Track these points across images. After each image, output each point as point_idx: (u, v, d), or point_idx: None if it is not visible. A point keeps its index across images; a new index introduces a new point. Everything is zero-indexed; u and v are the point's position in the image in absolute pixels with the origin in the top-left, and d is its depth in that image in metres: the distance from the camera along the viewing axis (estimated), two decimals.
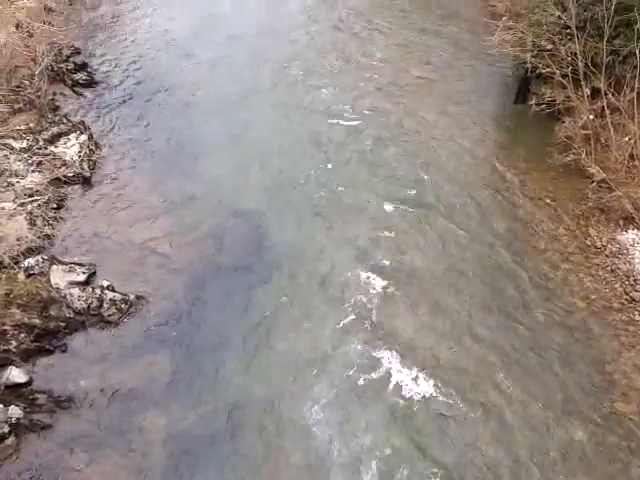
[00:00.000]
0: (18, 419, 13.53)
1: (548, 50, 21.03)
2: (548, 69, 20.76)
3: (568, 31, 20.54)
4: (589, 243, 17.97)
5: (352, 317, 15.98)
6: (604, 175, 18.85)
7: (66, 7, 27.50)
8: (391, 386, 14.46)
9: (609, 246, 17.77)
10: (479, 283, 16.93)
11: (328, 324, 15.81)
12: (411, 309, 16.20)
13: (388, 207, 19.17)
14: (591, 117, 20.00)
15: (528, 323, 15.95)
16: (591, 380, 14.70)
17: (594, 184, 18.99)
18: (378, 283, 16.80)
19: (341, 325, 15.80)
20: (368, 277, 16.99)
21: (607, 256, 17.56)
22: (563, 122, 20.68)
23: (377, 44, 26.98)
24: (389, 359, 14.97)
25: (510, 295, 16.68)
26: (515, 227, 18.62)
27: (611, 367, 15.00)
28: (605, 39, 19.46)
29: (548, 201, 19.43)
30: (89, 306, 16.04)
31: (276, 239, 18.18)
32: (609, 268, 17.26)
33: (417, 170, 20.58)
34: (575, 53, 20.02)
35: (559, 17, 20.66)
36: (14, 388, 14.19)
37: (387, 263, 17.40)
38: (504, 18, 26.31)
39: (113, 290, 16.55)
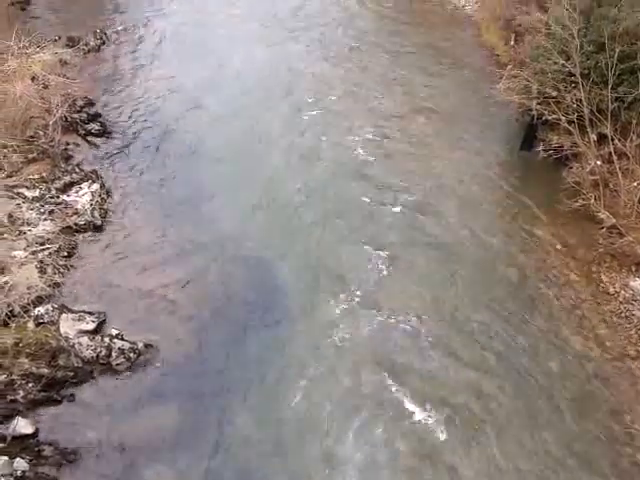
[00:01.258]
0: (24, 472, 13.29)
1: (553, 97, 21.32)
2: (554, 116, 20.99)
3: (572, 79, 20.87)
4: (602, 289, 17.82)
5: (363, 366, 15.77)
6: (614, 220, 18.80)
7: (81, 60, 28.15)
8: None
9: (622, 292, 17.60)
10: (490, 331, 16.72)
11: (338, 375, 15.58)
12: (423, 352, 15.95)
13: (395, 253, 19.12)
14: (599, 163, 20.10)
15: (542, 372, 15.67)
16: (609, 431, 14.35)
17: (604, 229, 18.95)
18: (390, 336, 16.62)
19: (349, 379, 15.56)
20: (380, 326, 16.82)
21: (621, 302, 17.38)
22: (571, 168, 20.78)
23: (384, 91, 27.40)
24: None
25: (522, 343, 16.44)
26: (526, 273, 18.50)
27: (630, 417, 14.64)
28: (609, 86, 19.77)
29: (559, 247, 19.37)
30: (98, 355, 15.91)
31: (286, 286, 18.11)
32: (623, 315, 17.06)
33: (425, 215, 20.61)
34: (580, 100, 20.28)
35: (563, 65, 21.03)
36: (20, 439, 13.97)
37: (395, 312, 17.25)
38: (509, 67, 26.83)
39: (122, 338, 16.45)
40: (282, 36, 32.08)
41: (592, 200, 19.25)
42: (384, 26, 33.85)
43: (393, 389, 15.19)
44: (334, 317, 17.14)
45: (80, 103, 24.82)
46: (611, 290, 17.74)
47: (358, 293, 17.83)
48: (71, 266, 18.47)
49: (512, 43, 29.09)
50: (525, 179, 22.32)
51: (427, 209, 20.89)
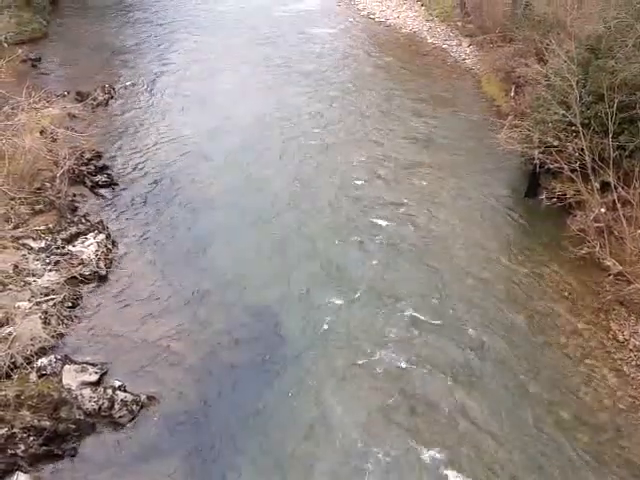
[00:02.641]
0: None
1: (555, 146, 21.57)
2: (556, 164, 21.19)
3: (573, 128, 21.15)
4: (611, 337, 17.59)
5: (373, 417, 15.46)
6: (620, 268, 18.72)
7: (89, 114, 28.78)
8: None
9: (632, 340, 17.35)
10: (498, 381, 16.44)
11: (344, 429, 15.26)
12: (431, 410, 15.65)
13: (399, 304, 19.00)
14: (603, 210, 20.14)
15: (553, 423, 15.33)
16: None
17: (611, 277, 18.84)
18: (402, 388, 16.35)
19: (356, 434, 15.24)
20: (383, 372, 16.57)
21: (631, 350, 17.12)
22: (575, 215, 20.83)
23: (385, 140, 27.76)
24: None
25: (532, 393, 16.14)
26: (534, 321, 18.32)
27: None
28: (610, 135, 19.98)
29: (566, 294, 19.24)
30: (100, 407, 15.66)
31: (291, 336, 17.95)
32: (634, 363, 16.77)
33: (430, 263, 20.57)
34: (582, 149, 20.49)
35: (563, 115, 21.35)
36: None
37: (400, 358, 17.03)
38: (510, 117, 27.30)
39: (125, 390, 16.22)
40: (286, 88, 32.78)
41: (597, 247, 19.22)
42: (385, 77, 34.64)
43: None
44: (341, 370, 16.89)
45: (88, 156, 25.22)
46: (620, 338, 17.50)
47: (362, 346, 17.64)
48: (75, 317, 18.41)
49: (512, 94, 29.68)
50: (530, 227, 22.35)
51: (431, 257, 20.86)
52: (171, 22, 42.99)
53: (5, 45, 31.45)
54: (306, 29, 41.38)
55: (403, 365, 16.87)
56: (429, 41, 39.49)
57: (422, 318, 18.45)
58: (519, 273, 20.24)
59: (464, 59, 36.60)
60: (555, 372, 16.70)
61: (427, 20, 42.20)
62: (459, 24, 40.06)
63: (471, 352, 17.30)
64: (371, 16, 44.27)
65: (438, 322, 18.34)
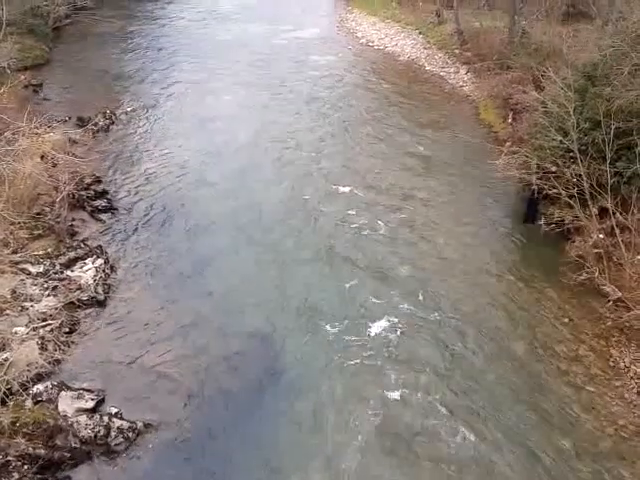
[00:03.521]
0: None
1: (553, 172, 21.69)
2: (554, 190, 21.27)
3: (571, 154, 21.28)
4: (612, 364, 17.45)
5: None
6: (620, 294, 18.67)
7: (90, 139, 28.96)
8: None
9: (633, 367, 17.22)
10: (497, 409, 16.27)
11: (344, 456, 15.07)
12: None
13: (393, 333, 18.90)
14: (601, 236, 20.18)
15: (554, 450, 15.13)
16: None
17: (611, 303, 18.79)
18: (397, 414, 16.20)
19: (360, 456, 15.06)
20: (384, 390, 16.42)
21: (632, 377, 16.97)
22: (573, 241, 20.87)
23: (382, 167, 27.89)
24: None
25: (532, 420, 15.96)
26: (533, 348, 18.19)
27: None
28: (608, 162, 20.09)
29: (566, 320, 19.14)
30: (96, 435, 15.46)
31: (290, 363, 17.81)
32: (635, 390, 16.62)
33: (429, 290, 20.51)
34: (580, 175, 20.59)
35: (561, 142, 21.50)
36: None
37: (400, 381, 16.90)
38: (507, 143, 27.50)
39: (121, 417, 16.04)
40: (285, 114, 33.07)
41: (596, 273, 19.20)
42: (383, 103, 34.97)
43: None
44: (340, 397, 16.73)
45: (88, 180, 25.32)
46: (621, 365, 17.37)
47: (361, 362, 17.50)
48: (72, 342, 18.27)
49: (510, 120, 29.93)
50: (529, 252, 22.34)
51: (429, 283, 20.81)
52: (172, 49, 43.57)
53: (8, 71, 31.79)
54: (305, 56, 41.89)
55: (397, 396, 16.68)
56: (427, 68, 39.95)
57: (419, 347, 18.32)
58: (518, 299, 20.16)
59: (462, 86, 36.97)
60: (556, 399, 16.54)
61: (425, 48, 42.74)
62: (457, 52, 40.56)
63: (470, 380, 17.14)
64: (370, 44, 44.85)
65: (437, 349, 18.21)
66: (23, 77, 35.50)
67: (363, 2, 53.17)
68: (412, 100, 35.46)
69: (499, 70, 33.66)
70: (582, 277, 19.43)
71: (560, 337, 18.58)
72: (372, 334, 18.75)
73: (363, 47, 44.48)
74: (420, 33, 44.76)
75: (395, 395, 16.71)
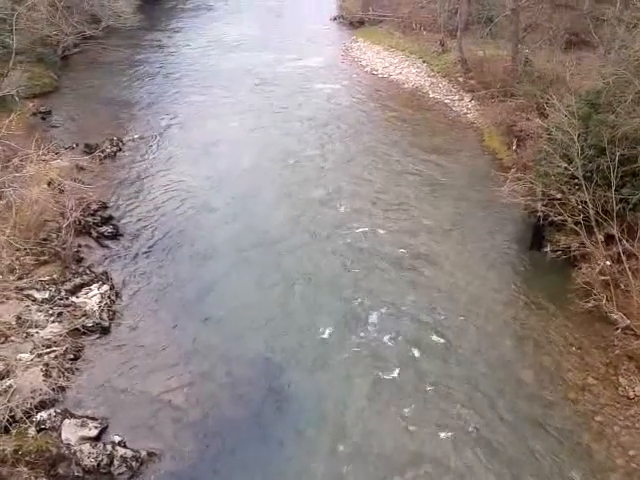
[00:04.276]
0: None
1: (558, 199, 21.65)
2: (560, 217, 21.21)
3: (576, 181, 21.27)
4: (621, 393, 17.23)
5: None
6: (628, 322, 18.50)
7: (96, 166, 29.14)
8: None
9: None
10: (505, 439, 16.05)
11: None
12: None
13: (412, 352, 18.77)
14: (608, 263, 20.06)
15: None
16: None
17: (619, 330, 18.59)
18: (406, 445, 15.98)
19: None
20: (395, 418, 16.21)
21: None
22: (580, 268, 20.73)
23: (389, 193, 27.95)
24: None
25: (541, 452, 15.74)
26: (542, 377, 18.01)
27: None
28: (613, 188, 20.08)
29: (574, 349, 18.97)
30: (99, 464, 15.33)
31: (295, 392, 17.66)
32: None
33: (436, 316, 20.40)
34: (585, 202, 20.55)
35: (566, 168, 21.49)
36: None
37: (409, 408, 16.69)
38: (512, 170, 27.54)
39: (124, 446, 15.89)
40: (290, 141, 33.26)
41: (604, 301, 19.04)
42: (388, 130, 35.13)
43: None
44: (345, 423, 16.55)
45: (94, 207, 25.46)
46: (631, 394, 17.14)
47: (367, 389, 17.33)
48: (76, 369, 18.21)
49: (514, 147, 30.04)
50: (535, 279, 22.21)
51: (437, 311, 20.70)
52: (178, 77, 44.03)
53: (16, 99, 32.18)
54: (311, 84, 42.25)
55: (411, 427, 16.50)
56: (431, 96, 40.23)
57: (427, 374, 18.16)
58: (525, 327, 20.02)
59: (466, 113, 37.19)
60: (564, 429, 16.32)
61: (429, 76, 43.08)
62: (460, 80, 40.87)
63: (477, 409, 16.94)
64: (374, 72, 45.24)
65: (445, 377, 18.03)
66: (32, 104, 35.96)
67: (367, 31, 53.79)
68: (417, 127, 35.66)
69: (503, 98, 33.84)
70: (589, 304, 19.27)
71: (568, 365, 18.40)
72: (378, 360, 18.59)
73: (368, 75, 44.87)
74: (424, 61, 45.15)
75: (410, 427, 16.50)
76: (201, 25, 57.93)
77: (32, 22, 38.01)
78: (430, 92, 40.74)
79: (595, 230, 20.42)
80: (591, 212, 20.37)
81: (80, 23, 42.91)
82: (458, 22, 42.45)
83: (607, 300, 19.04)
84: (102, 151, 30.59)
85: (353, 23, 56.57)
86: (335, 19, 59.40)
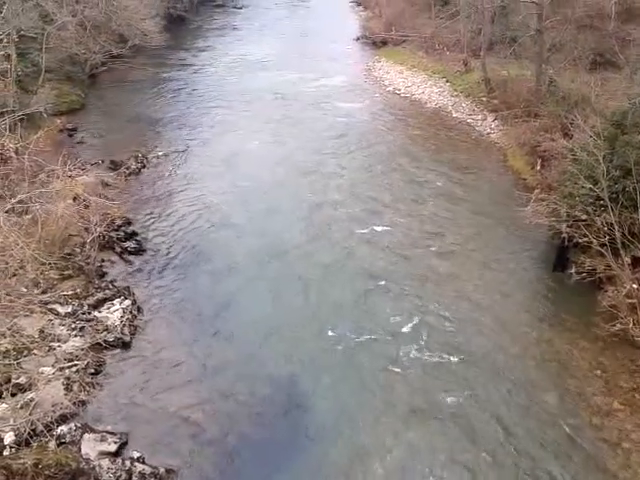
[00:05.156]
0: None
1: (583, 220, 21.32)
2: (585, 239, 20.89)
3: (601, 202, 20.95)
4: None
5: None
6: None
7: (122, 182, 29.53)
8: None
9: None
10: (528, 465, 15.70)
11: None
12: None
13: (433, 372, 18.57)
14: (635, 286, 19.68)
15: None
16: None
17: None
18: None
19: None
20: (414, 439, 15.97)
21: None
22: (606, 291, 20.34)
23: (413, 213, 27.88)
24: None
25: (565, 478, 15.35)
26: (566, 401, 17.64)
27: None
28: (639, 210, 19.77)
29: (598, 372, 18.57)
30: (117, 479, 15.28)
31: (316, 410, 17.51)
32: None
33: (458, 336, 20.16)
34: (611, 223, 20.23)
35: (591, 189, 21.22)
36: None
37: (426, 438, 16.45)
38: (536, 190, 27.29)
39: (143, 462, 15.85)
40: (313, 158, 33.42)
41: (630, 324, 18.66)
42: (410, 149, 35.15)
43: None
44: (367, 444, 16.35)
45: (118, 222, 25.73)
46: None
47: (392, 415, 17.13)
48: (97, 384, 18.27)
49: (538, 168, 29.80)
50: (560, 301, 21.87)
51: (458, 330, 20.47)
52: (203, 95, 44.66)
53: (45, 115, 32.82)
54: (333, 103, 42.53)
55: (438, 458, 16.25)
56: (454, 115, 40.22)
57: (449, 395, 17.92)
58: (549, 350, 19.68)
59: (489, 133, 37.07)
60: (590, 456, 15.92)
61: (452, 95, 43.11)
62: (484, 99, 40.82)
63: (498, 433, 16.63)
64: (397, 91, 45.42)
65: (467, 398, 17.78)
66: (59, 121, 36.67)
67: (390, 51, 54.14)
68: (439, 146, 35.63)
69: (527, 118, 33.70)
70: (615, 328, 18.89)
71: (593, 390, 18.01)
72: (399, 380, 18.41)
73: (390, 95, 45.05)
74: (447, 81, 45.23)
75: (436, 457, 16.26)
76: (226, 44, 58.84)
77: (61, 41, 39.03)
78: (453, 111, 40.74)
79: (621, 252, 20.07)
80: (617, 234, 20.05)
81: (107, 42, 43.91)
82: (482, 42, 42.50)
83: (634, 324, 18.65)
84: (127, 167, 31.02)
85: (376, 43, 57.05)
86: (358, 39, 59.96)
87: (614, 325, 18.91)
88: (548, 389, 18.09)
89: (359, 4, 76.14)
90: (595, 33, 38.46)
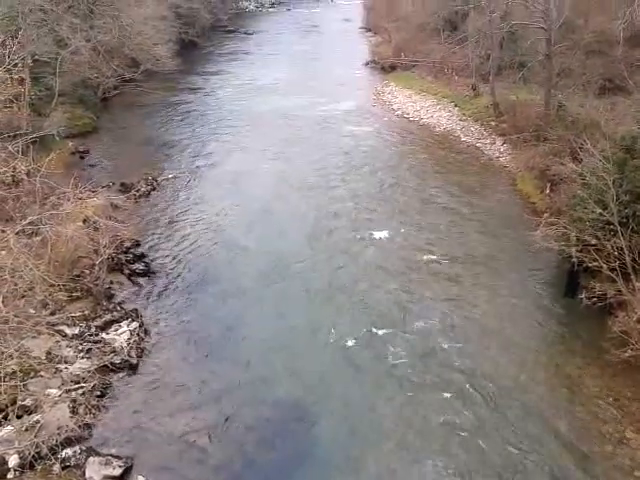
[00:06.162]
0: None
1: (593, 245, 21.18)
2: (595, 263, 20.73)
3: (611, 227, 20.82)
4: None
5: None
6: None
7: (131, 204, 29.71)
8: None
9: None
10: None
11: None
12: None
13: (441, 395, 18.35)
14: None
15: None
16: None
17: None
18: None
19: None
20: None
21: None
22: (617, 316, 20.08)
23: (421, 235, 27.83)
24: None
25: None
26: (577, 428, 17.34)
27: None
28: None
29: (610, 400, 18.27)
30: None
31: (324, 437, 17.30)
32: None
33: (467, 361, 19.96)
34: (621, 248, 20.09)
35: (600, 214, 21.10)
36: None
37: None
38: (545, 214, 27.15)
39: None
40: (322, 182, 33.52)
41: None
42: (420, 172, 35.23)
43: None
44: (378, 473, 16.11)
45: (127, 244, 25.85)
46: None
47: (400, 441, 16.90)
48: (103, 406, 18.18)
49: (547, 192, 29.72)
50: (570, 326, 21.64)
51: (468, 356, 20.26)
52: (213, 118, 45.14)
53: (57, 138, 33.21)
54: (343, 127, 42.83)
55: None
56: (463, 139, 40.33)
57: (458, 421, 17.69)
58: (559, 376, 19.42)
59: (498, 157, 37.11)
60: None
61: (461, 120, 43.29)
62: (492, 123, 40.95)
63: (511, 462, 16.35)
64: (405, 115, 45.68)
65: (475, 423, 17.53)
66: (71, 144, 37.10)
67: (399, 76, 54.59)
68: (448, 170, 35.69)
69: (536, 142, 33.71)
70: (627, 354, 18.55)
71: (605, 417, 17.71)
72: (407, 405, 18.20)
73: (399, 119, 45.32)
74: (456, 105, 45.45)
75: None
76: (237, 69, 59.63)
77: (75, 65, 39.64)
78: (462, 135, 40.87)
79: (632, 277, 19.90)
80: (627, 259, 19.90)
81: (120, 66, 44.54)
82: (490, 67, 42.78)
83: None
84: (137, 190, 31.24)
85: (385, 68, 57.61)
86: (368, 64, 60.59)
87: (625, 351, 18.58)
88: (559, 416, 17.80)
89: (369, 30, 77.12)
90: (603, 58, 38.63)
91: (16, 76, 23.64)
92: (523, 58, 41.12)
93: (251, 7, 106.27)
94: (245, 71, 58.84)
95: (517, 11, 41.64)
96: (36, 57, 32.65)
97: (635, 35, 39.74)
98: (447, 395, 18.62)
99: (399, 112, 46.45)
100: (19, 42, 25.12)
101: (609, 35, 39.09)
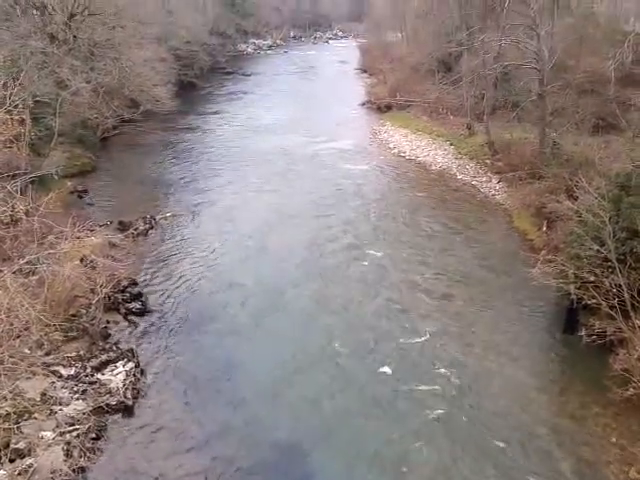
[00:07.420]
0: None
1: (591, 282, 21.14)
2: (594, 300, 20.66)
3: (609, 264, 20.83)
4: None
5: None
6: None
7: (129, 243, 29.65)
8: None
9: None
10: None
11: None
12: None
13: (442, 438, 18.04)
14: None
15: None
16: None
17: None
18: None
19: None
20: None
21: None
22: (617, 354, 19.94)
23: (417, 274, 27.77)
24: None
25: None
26: (581, 469, 17.03)
27: None
28: None
29: (614, 440, 17.99)
30: None
31: (322, 478, 16.96)
32: None
33: (466, 400, 19.71)
34: (620, 284, 20.06)
35: (598, 251, 21.13)
36: None
37: None
38: (543, 252, 27.21)
39: None
40: (320, 220, 33.64)
41: None
42: (416, 210, 35.37)
43: None
44: None
45: (124, 283, 25.69)
46: None
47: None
48: (98, 449, 17.82)
49: (544, 229, 29.86)
50: (570, 365, 21.46)
51: (467, 395, 20.02)
52: (211, 158, 45.56)
53: (56, 177, 33.34)
54: (340, 165, 43.24)
55: None
56: (459, 177, 40.68)
57: (458, 465, 17.36)
58: (561, 415, 19.16)
59: (494, 195, 37.37)
60: None
61: (456, 158, 43.75)
62: (488, 162, 41.37)
63: None
64: (402, 154, 46.16)
65: (477, 467, 17.21)
66: (69, 183, 37.29)
67: (395, 116, 55.40)
68: (444, 207, 35.89)
69: (531, 180, 34.04)
70: (629, 392, 18.38)
71: (608, 458, 17.41)
72: (408, 447, 17.89)
73: (395, 157, 45.78)
74: (451, 144, 46.00)
75: None
76: (235, 109, 60.49)
77: (74, 106, 40.09)
78: (458, 173, 41.24)
79: (631, 314, 19.82)
80: (626, 295, 19.85)
81: (120, 107, 45.12)
82: (485, 106, 43.44)
83: None
84: (135, 228, 31.24)
85: (381, 108, 58.52)
86: (364, 104, 61.56)
87: (627, 390, 18.42)
88: (561, 457, 17.50)
89: (364, 71, 78.62)
90: (596, 97, 39.28)
91: (17, 117, 23.87)
92: (517, 98, 41.82)
93: (249, 50, 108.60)
94: (243, 111, 59.68)
95: (510, 52, 42.49)
96: (37, 98, 33.01)
97: (626, 75, 40.55)
98: (444, 437, 18.31)
99: (395, 150, 46.96)
100: (20, 84, 25.50)
101: (601, 75, 39.85)
